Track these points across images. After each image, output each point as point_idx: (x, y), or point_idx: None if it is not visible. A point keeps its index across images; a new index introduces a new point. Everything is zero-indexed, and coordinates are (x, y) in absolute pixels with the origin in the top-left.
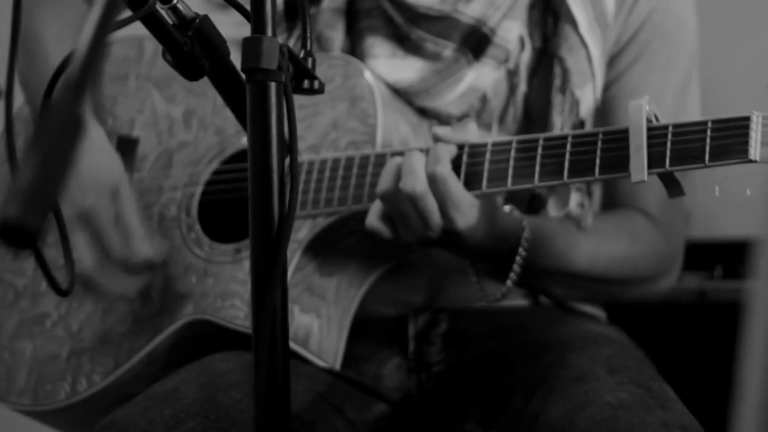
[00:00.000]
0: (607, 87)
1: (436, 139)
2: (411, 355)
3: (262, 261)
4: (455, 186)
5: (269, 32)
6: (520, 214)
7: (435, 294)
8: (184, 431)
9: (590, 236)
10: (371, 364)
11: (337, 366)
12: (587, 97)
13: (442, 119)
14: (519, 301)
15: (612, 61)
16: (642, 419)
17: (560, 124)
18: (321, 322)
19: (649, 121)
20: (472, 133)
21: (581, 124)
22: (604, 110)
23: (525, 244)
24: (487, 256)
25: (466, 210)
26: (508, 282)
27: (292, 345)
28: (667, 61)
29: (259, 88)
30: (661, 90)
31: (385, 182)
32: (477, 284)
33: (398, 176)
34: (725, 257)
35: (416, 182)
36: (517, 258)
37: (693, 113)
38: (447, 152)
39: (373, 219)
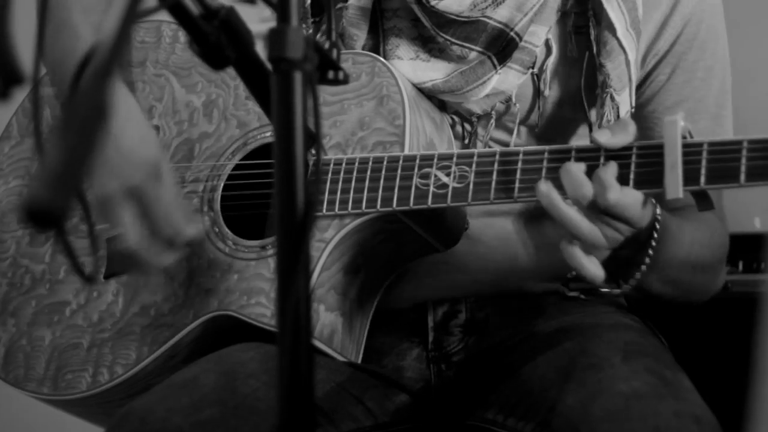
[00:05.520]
0: (647, 102)
1: (596, 144)
2: (431, 345)
3: (286, 248)
4: (632, 209)
5: (294, 23)
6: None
7: (454, 287)
8: (203, 419)
9: (687, 222)
10: (391, 356)
11: (359, 361)
12: (626, 101)
13: (463, 115)
14: (538, 289)
15: (649, 75)
16: (654, 409)
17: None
18: (344, 320)
19: (683, 137)
20: (631, 133)
21: None
22: (643, 125)
23: (659, 230)
24: (627, 245)
25: (639, 217)
26: (640, 272)
27: (317, 344)
28: (706, 71)
29: (285, 77)
30: (703, 100)
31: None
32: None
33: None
34: (747, 251)
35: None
36: (653, 244)
37: (729, 122)
38: (613, 174)
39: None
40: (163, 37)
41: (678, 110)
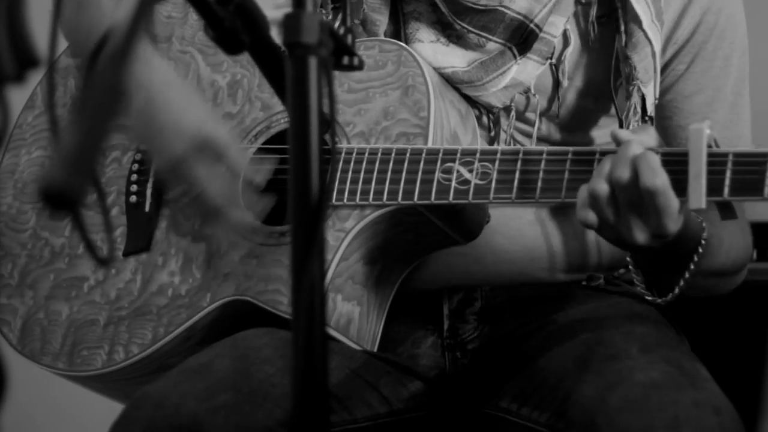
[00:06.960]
0: (666, 91)
1: (617, 141)
2: (446, 333)
3: (301, 235)
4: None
5: (309, 8)
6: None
7: (470, 277)
8: (217, 404)
9: (722, 229)
10: (407, 344)
11: (375, 349)
12: (650, 93)
13: (482, 109)
14: (557, 280)
15: (668, 64)
16: (673, 398)
17: (622, 123)
18: (362, 309)
19: (709, 146)
20: (651, 135)
21: (651, 120)
22: (662, 114)
23: (704, 244)
24: (667, 257)
25: (677, 217)
26: (682, 283)
27: (333, 332)
28: (724, 60)
29: (300, 62)
30: (721, 89)
31: (623, 172)
32: (642, 285)
33: (635, 168)
34: (763, 239)
35: (656, 177)
36: (695, 258)
37: (747, 110)
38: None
39: (585, 212)
40: (190, 12)
41: (696, 99)
